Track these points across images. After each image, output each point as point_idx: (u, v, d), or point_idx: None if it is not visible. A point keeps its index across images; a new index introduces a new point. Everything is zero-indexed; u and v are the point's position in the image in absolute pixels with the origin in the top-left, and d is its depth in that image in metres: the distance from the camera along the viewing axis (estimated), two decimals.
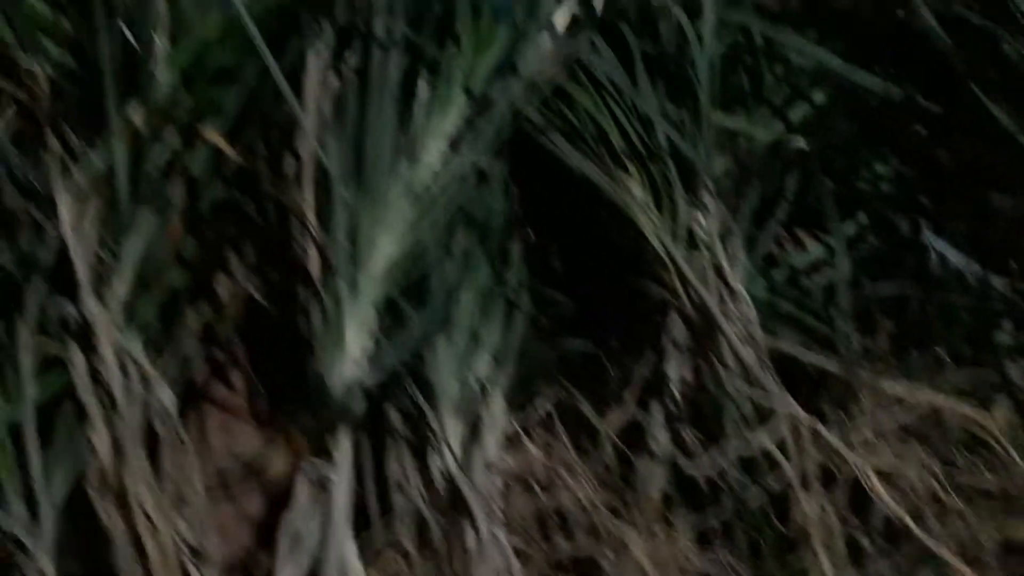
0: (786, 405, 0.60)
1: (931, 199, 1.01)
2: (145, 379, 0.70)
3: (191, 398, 0.82)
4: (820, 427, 0.59)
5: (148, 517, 0.59)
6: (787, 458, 0.62)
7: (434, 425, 0.66)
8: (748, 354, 0.64)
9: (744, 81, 0.97)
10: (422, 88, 0.80)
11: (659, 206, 0.75)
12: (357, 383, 0.60)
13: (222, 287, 0.80)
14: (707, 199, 0.76)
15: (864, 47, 1.10)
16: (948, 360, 0.78)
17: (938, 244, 0.92)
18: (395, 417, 0.70)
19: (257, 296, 0.77)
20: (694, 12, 0.99)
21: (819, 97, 1.02)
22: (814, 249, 0.98)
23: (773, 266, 0.95)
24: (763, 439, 0.61)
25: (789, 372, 0.75)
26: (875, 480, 0.59)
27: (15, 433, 0.68)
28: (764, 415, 0.63)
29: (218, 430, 0.83)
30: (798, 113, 1.01)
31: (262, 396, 0.85)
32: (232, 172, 0.82)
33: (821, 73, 1.02)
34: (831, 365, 0.68)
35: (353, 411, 0.61)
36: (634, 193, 0.75)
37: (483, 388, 0.73)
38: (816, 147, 0.92)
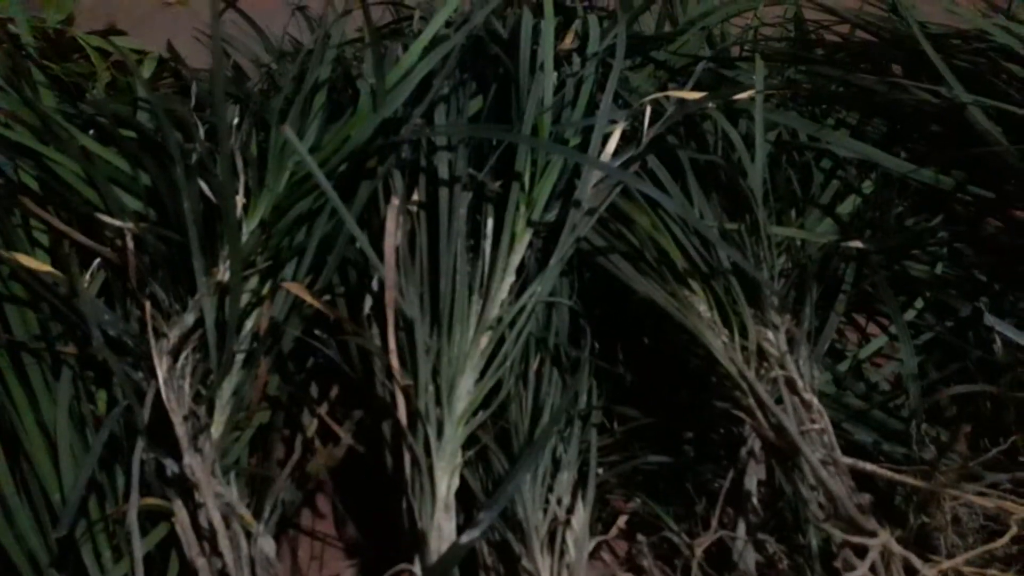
0: (879, 537, 0.60)
1: (988, 278, 1.02)
2: (246, 529, 0.73)
3: (283, 525, 0.85)
4: (914, 559, 0.59)
5: None
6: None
7: (525, 561, 0.68)
8: (830, 477, 0.66)
9: (793, 179, 0.99)
10: (488, 223, 0.84)
11: (726, 322, 0.77)
12: (465, 540, 0.62)
13: (310, 425, 0.83)
14: (773, 315, 0.78)
15: (905, 126, 1.13)
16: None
17: (1000, 326, 0.92)
18: (486, 551, 0.72)
19: (341, 433, 0.80)
20: (736, 112, 1.03)
21: (867, 186, 1.04)
22: (877, 337, 1.00)
23: (837, 358, 0.96)
24: (851, 559, 0.62)
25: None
26: None
27: None
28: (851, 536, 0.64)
29: (309, 558, 0.86)
30: (849, 205, 1.03)
31: (349, 523, 0.87)
32: (310, 312, 0.86)
33: (867, 162, 1.05)
34: (913, 480, 0.68)
35: (451, 566, 0.63)
36: (700, 311, 0.77)
37: (567, 515, 0.75)
38: (871, 244, 0.94)
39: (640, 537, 0.82)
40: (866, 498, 0.67)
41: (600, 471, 0.82)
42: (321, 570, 0.83)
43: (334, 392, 0.85)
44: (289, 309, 0.86)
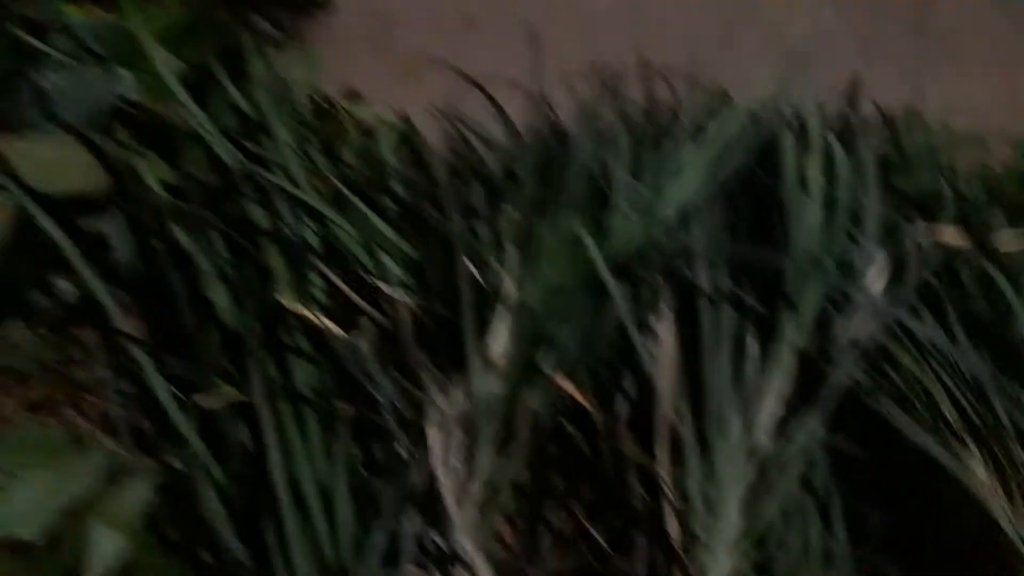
0: None
1: None
2: None
3: None
4: None
5: None
6: None
7: None
8: None
9: None
10: (752, 345, 0.85)
11: (1006, 489, 0.76)
12: None
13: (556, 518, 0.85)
14: None
15: None
16: None
17: None
18: None
19: (593, 532, 0.81)
20: (998, 262, 1.01)
21: None
22: None
23: None
24: None
25: None
26: None
27: None
28: None
29: None
30: None
31: None
32: (563, 404, 0.89)
33: None
34: None
35: None
36: (978, 474, 0.76)
37: None
38: None
39: None
40: None
41: None
42: None
43: (585, 491, 0.87)
44: (547, 401, 0.89)
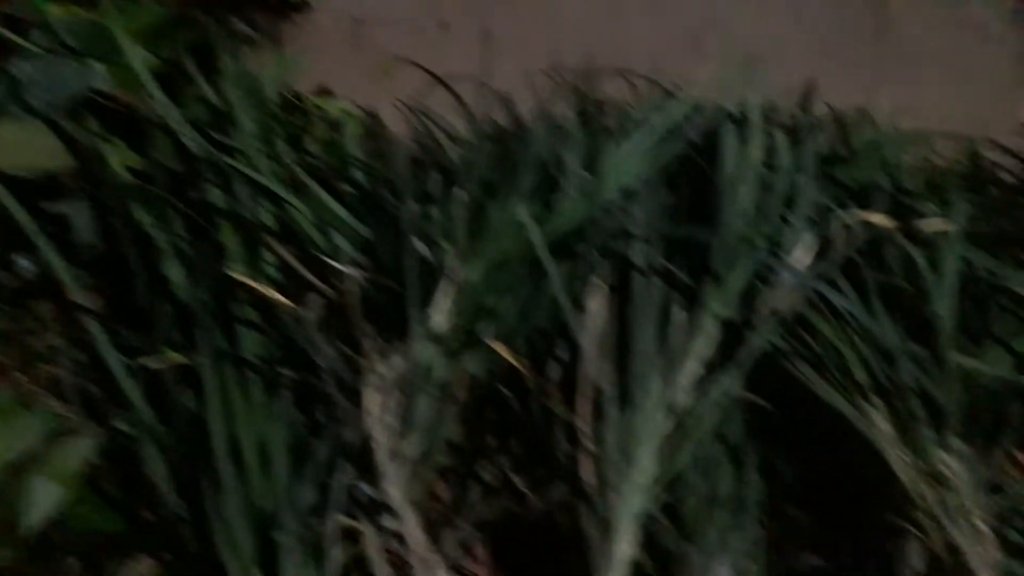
0: None
1: None
2: (425, 559, 0.79)
3: None
4: None
5: None
6: None
7: None
8: None
9: (971, 312, 1.02)
10: (678, 313, 0.90)
11: (904, 441, 0.80)
12: None
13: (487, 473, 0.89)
14: (954, 440, 0.81)
15: None
16: None
17: None
18: None
19: (520, 486, 0.85)
20: (916, 241, 1.06)
21: None
22: None
23: (997, 492, 0.96)
24: None
25: None
26: None
27: None
28: None
29: None
30: None
31: (501, 570, 0.92)
32: (502, 369, 0.93)
33: None
34: None
35: None
36: (880, 426, 0.81)
37: None
38: None
39: None
40: None
41: (759, 567, 0.85)
42: None
43: (515, 447, 0.91)
44: (485, 366, 0.93)
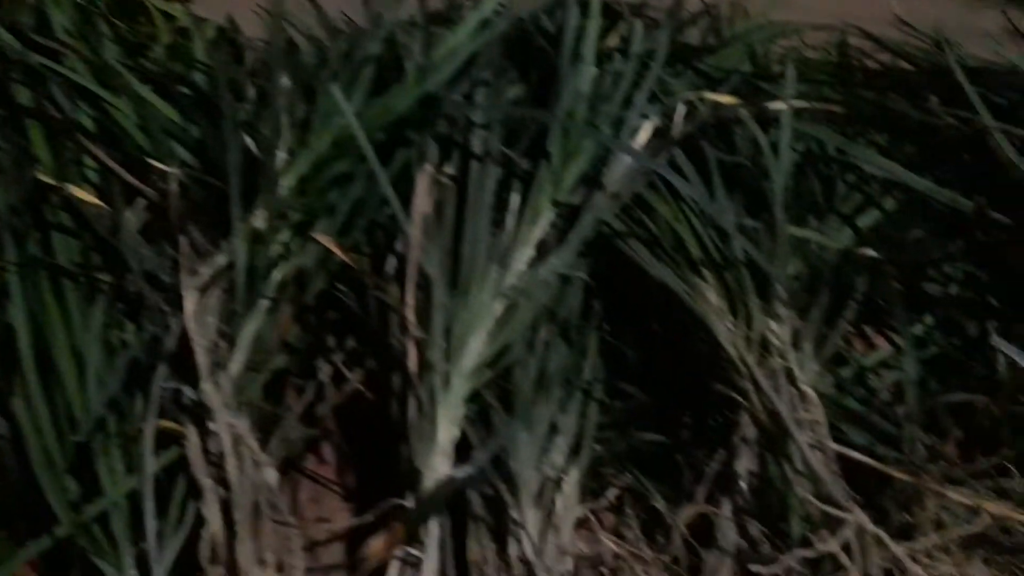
0: (852, 513, 0.63)
1: (1001, 302, 1.03)
2: (253, 458, 0.76)
3: (285, 469, 0.89)
4: (885, 537, 0.61)
5: None
6: (851, 560, 0.65)
7: (513, 512, 0.71)
8: (816, 460, 0.68)
9: (817, 189, 1.02)
10: (514, 198, 0.87)
11: (734, 311, 0.80)
12: (459, 475, 0.66)
13: (323, 372, 0.87)
14: (780, 308, 0.81)
15: (934, 152, 1.15)
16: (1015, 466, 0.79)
17: (1006, 347, 0.94)
18: (477, 502, 0.75)
19: (354, 381, 0.83)
20: (768, 124, 1.05)
21: (889, 203, 1.06)
22: (883, 349, 1.01)
23: (842, 364, 0.98)
24: (829, 542, 0.64)
25: (857, 468, 0.78)
26: None
27: (134, 501, 0.76)
28: (831, 517, 0.66)
29: (309, 501, 0.90)
30: (869, 218, 1.05)
31: (351, 471, 0.91)
32: (338, 267, 0.90)
33: (892, 180, 1.07)
34: (897, 472, 0.70)
35: (442, 500, 0.67)
36: (710, 299, 0.80)
37: (559, 475, 0.78)
38: (884, 254, 0.96)
39: (629, 511, 0.84)
40: (843, 486, 0.69)
41: (599, 447, 0.85)
42: (318, 511, 0.87)
43: (350, 343, 0.89)
44: (318, 263, 0.90)
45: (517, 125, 0.96)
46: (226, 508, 0.73)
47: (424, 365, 0.75)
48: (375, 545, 0.65)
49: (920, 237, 1.04)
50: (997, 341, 0.94)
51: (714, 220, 0.87)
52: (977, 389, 0.91)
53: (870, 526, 0.62)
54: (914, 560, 0.62)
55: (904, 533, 0.73)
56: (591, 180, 0.91)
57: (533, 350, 0.81)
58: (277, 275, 0.87)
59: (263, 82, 1.07)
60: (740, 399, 0.76)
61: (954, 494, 0.68)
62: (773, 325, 0.80)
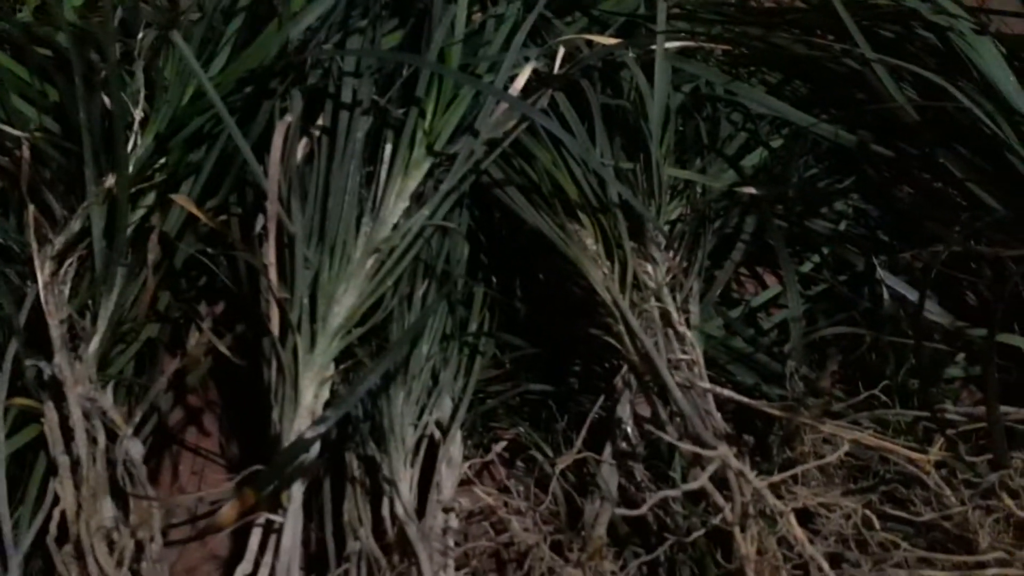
0: (718, 450, 0.62)
1: (890, 237, 1.04)
2: (115, 432, 0.73)
3: (166, 443, 0.86)
4: (746, 470, 0.61)
5: (101, 569, 0.62)
6: (727, 498, 0.64)
7: (386, 471, 0.69)
8: (686, 400, 0.67)
9: (702, 129, 1.01)
10: (387, 149, 0.84)
11: (609, 255, 0.79)
12: (310, 435, 0.63)
13: (194, 340, 0.83)
14: (654, 250, 0.79)
15: (825, 90, 1.15)
16: (894, 397, 0.80)
17: (890, 280, 0.94)
18: (353, 463, 0.73)
19: (223, 349, 0.80)
20: (652, 66, 1.03)
21: (777, 142, 1.06)
22: (774, 288, 1.01)
23: (731, 305, 0.98)
24: (703, 480, 0.63)
25: (743, 409, 0.78)
26: (793, 522, 0.61)
27: None
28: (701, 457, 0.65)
29: (190, 474, 0.87)
30: (756, 158, 1.04)
31: (233, 441, 0.88)
32: (205, 230, 0.86)
33: (780, 119, 1.06)
34: (770, 408, 0.70)
35: (303, 464, 0.64)
36: (586, 244, 0.78)
37: (442, 430, 0.76)
38: (771, 192, 0.95)
39: (520, 464, 0.83)
40: (721, 424, 0.69)
41: (489, 400, 0.83)
42: (200, 484, 0.84)
43: (220, 309, 0.85)
44: (183, 226, 0.86)
45: (394, 73, 0.93)
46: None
47: (287, 326, 0.71)
48: (224, 512, 0.62)
49: (806, 175, 1.03)
50: (883, 274, 0.95)
51: (589, 162, 0.84)
52: (863, 324, 0.91)
53: (734, 462, 0.61)
54: (777, 495, 0.61)
55: (786, 469, 0.73)
56: (468, 128, 0.88)
57: (410, 305, 0.78)
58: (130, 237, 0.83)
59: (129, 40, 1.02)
60: (615, 343, 0.75)
61: (826, 427, 0.67)
62: (648, 267, 0.78)
